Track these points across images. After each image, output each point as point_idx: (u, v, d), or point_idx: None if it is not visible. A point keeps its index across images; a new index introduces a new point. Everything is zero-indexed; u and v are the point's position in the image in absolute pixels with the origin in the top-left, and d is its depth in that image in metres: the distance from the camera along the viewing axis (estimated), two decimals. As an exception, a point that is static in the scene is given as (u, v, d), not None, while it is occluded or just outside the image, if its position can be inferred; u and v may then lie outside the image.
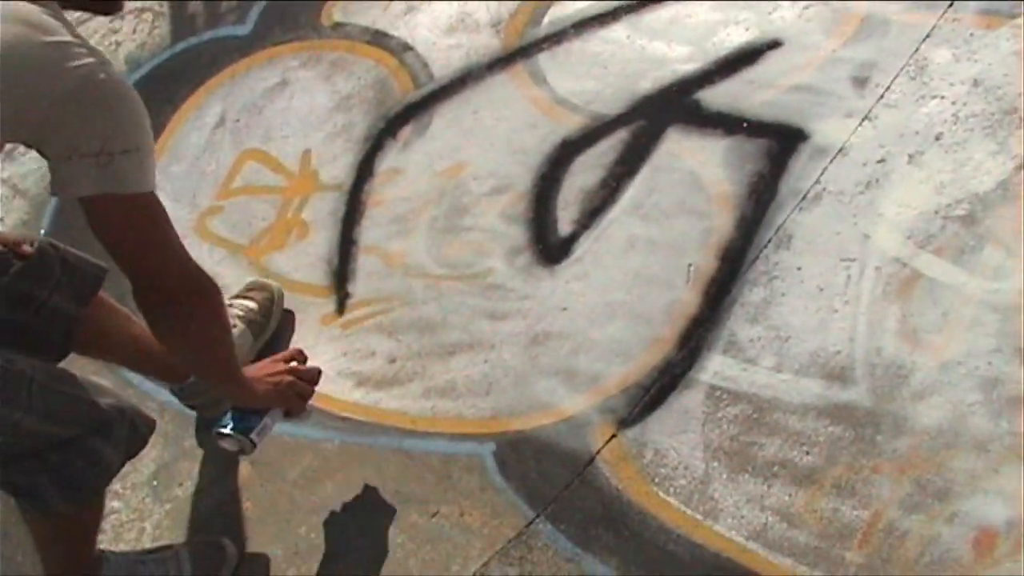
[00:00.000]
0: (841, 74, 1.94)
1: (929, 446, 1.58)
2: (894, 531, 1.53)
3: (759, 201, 1.89)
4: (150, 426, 1.64)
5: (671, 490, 1.66)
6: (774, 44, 2.01)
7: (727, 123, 2.00)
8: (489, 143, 2.15)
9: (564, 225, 1.99)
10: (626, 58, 2.14)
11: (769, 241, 1.85)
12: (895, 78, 1.90)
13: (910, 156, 1.85)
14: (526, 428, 1.78)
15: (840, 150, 1.89)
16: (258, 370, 1.70)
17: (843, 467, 1.59)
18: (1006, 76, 1.81)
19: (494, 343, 1.85)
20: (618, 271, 1.90)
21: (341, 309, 2.03)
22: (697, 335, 1.78)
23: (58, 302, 1.59)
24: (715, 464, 1.66)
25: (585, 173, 2.03)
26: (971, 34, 1.86)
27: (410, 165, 2.18)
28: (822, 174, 1.88)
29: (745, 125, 1.99)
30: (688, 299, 1.81)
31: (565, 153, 2.06)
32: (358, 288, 2.06)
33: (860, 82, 1.93)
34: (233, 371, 1.61)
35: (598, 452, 1.71)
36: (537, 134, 2.10)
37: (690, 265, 1.85)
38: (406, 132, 2.23)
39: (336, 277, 2.09)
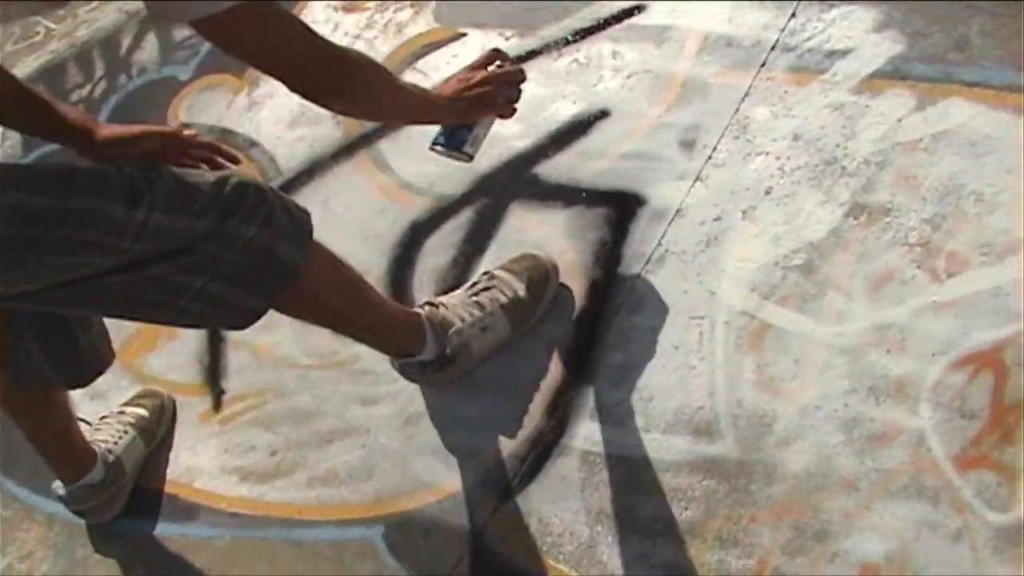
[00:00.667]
0: (669, 139, 2.02)
1: (801, 490, 1.59)
2: (782, 576, 1.51)
3: (606, 268, 1.94)
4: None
5: (560, 556, 1.67)
6: (602, 114, 2.09)
7: (566, 194, 2.05)
8: (341, 231, 2.19)
9: None
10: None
11: (621, 306, 1.88)
12: (720, 138, 1.99)
13: (743, 212, 1.91)
14: (411, 508, 1.80)
15: (677, 212, 1.95)
16: (456, 85, 1.58)
17: (722, 519, 1.60)
18: (822, 128, 1.90)
19: (369, 427, 1.88)
20: None
21: (218, 406, 2.07)
22: (563, 403, 1.81)
23: (267, 243, 1.45)
24: (599, 528, 1.67)
25: (436, 254, 2.09)
26: (785, 91, 1.98)
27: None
28: (663, 236, 1.93)
29: (584, 195, 2.06)
30: (551, 369, 1.85)
31: (415, 236, 2.13)
32: (232, 384, 2.10)
33: (687, 145, 2.02)
34: (426, 105, 1.54)
35: (484, 525, 1.73)
36: (387, 219, 2.18)
37: (549, 336, 1.89)
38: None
39: (209, 374, 2.14)
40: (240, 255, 1.40)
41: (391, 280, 2.11)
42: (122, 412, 1.99)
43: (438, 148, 1.65)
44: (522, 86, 1.65)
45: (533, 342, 1.90)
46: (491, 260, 2.04)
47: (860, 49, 1.93)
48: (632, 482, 1.71)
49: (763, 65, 2.00)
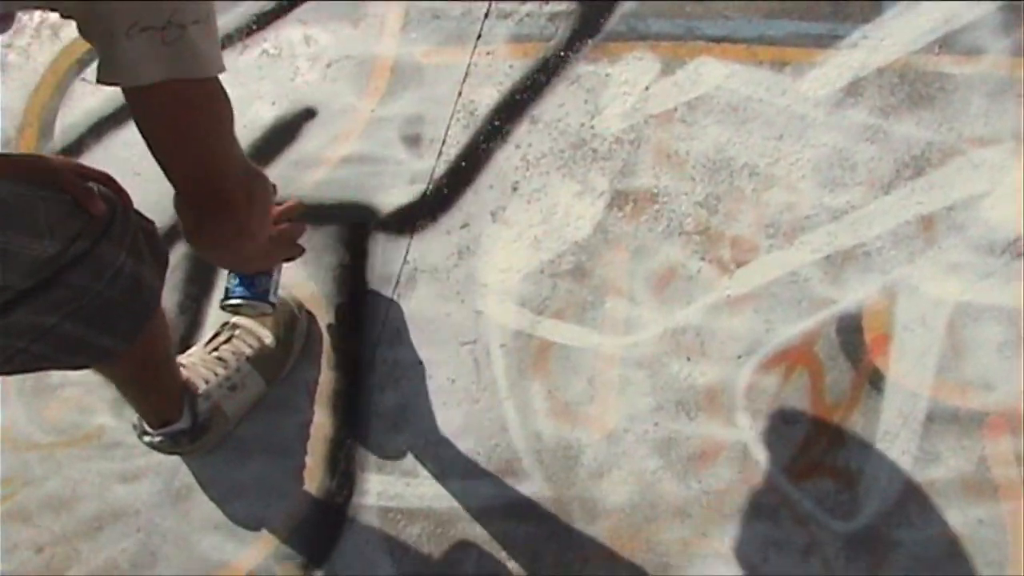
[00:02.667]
0: (390, 135, 1.69)
1: (629, 524, 1.49)
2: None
3: (351, 296, 1.65)
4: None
5: None
6: (308, 114, 1.73)
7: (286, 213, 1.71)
8: None
9: None
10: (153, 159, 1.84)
11: (379, 338, 1.61)
12: (448, 129, 1.71)
13: (492, 214, 1.66)
14: (207, 595, 1.48)
15: (417, 222, 1.68)
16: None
17: (551, 565, 1.51)
18: (561, 106, 1.68)
19: (138, 508, 1.64)
20: None
21: (-43, 506, 1.60)
22: (344, 456, 1.59)
23: (135, 270, 1.21)
24: None
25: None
26: (510, 66, 1.73)
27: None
28: (407, 253, 1.64)
29: (307, 212, 1.71)
30: (318, 419, 1.61)
31: None
32: (-33, 479, 1.63)
33: (412, 140, 1.70)
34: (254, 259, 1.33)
35: None
36: None
37: (306, 381, 1.62)
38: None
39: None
40: (106, 286, 1.19)
41: None
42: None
43: (231, 304, 1.51)
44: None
45: (293, 391, 1.63)
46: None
47: (586, 8, 1.75)
48: (443, 536, 1.53)
49: (479, 38, 1.74)
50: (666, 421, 1.49)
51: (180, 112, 1.02)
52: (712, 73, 1.61)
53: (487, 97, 1.65)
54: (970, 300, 1.46)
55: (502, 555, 1.51)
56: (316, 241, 1.63)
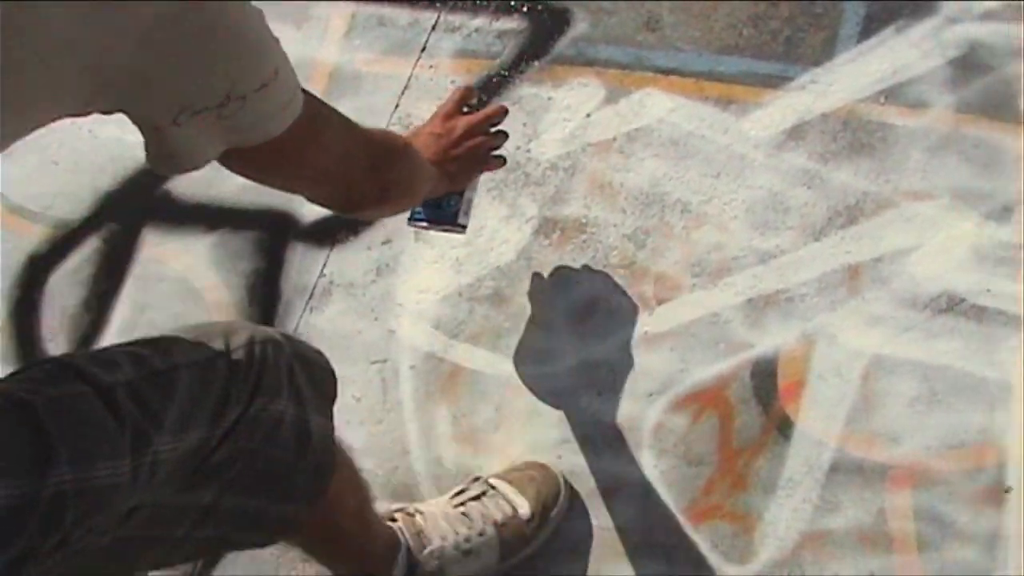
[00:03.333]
0: None
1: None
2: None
3: (263, 306, 2.22)
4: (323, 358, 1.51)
5: None
6: None
7: (207, 215, 2.29)
8: None
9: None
10: (78, 149, 2.39)
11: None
12: None
13: (416, 232, 2.30)
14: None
15: (337, 235, 2.29)
16: (438, 144, 1.76)
17: None
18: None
19: None
20: None
21: None
22: None
23: (298, 416, 1.39)
24: None
25: (64, 293, 2.28)
26: (452, 81, 2.40)
27: None
28: (325, 265, 2.24)
29: (227, 215, 2.31)
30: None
31: (35, 271, 2.31)
32: None
33: None
34: (435, 180, 1.70)
35: None
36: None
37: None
38: None
39: None
40: (265, 443, 1.35)
41: (15, 327, 2.27)
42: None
43: (422, 223, 1.88)
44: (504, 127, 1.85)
45: None
46: (130, 298, 2.24)
47: (536, 28, 2.41)
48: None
49: (423, 50, 2.40)
50: (570, 454, 2.07)
51: (265, 165, 1.27)
52: (656, 105, 2.26)
53: (424, 111, 2.28)
54: (888, 353, 2.07)
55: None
56: (234, 246, 2.25)
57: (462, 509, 1.90)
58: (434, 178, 1.71)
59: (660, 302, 2.11)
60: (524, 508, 1.92)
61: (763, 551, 2.01)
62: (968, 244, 2.05)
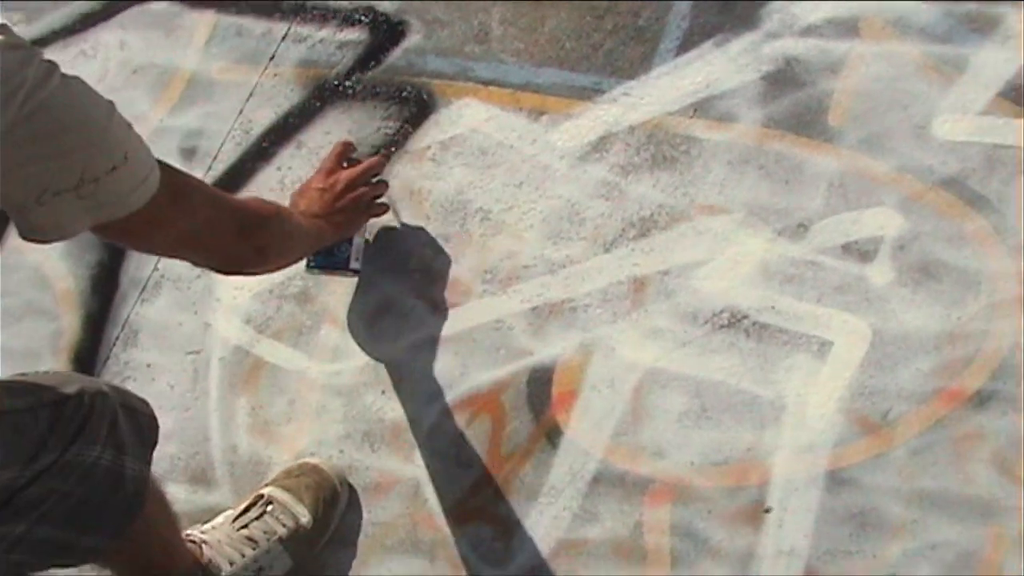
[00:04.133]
0: (170, 146, 2.40)
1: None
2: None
3: (103, 295, 2.39)
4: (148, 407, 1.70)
5: None
6: None
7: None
8: None
9: None
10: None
11: (117, 339, 2.33)
12: (222, 146, 2.50)
13: (243, 232, 2.43)
14: None
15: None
16: (323, 199, 2.00)
17: None
18: (327, 134, 2.42)
19: None
20: None
21: None
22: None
23: (114, 463, 1.57)
24: None
25: None
26: (291, 90, 2.49)
27: None
28: (159, 261, 2.36)
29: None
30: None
31: None
32: None
33: (189, 153, 2.42)
34: (319, 235, 1.96)
35: None
36: None
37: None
38: None
39: None
40: (77, 484, 1.50)
41: None
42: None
43: (316, 270, 2.12)
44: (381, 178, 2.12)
45: None
46: None
47: (373, 40, 2.50)
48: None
49: (272, 59, 2.53)
50: (351, 449, 2.16)
51: (126, 236, 1.45)
52: (473, 115, 2.31)
53: (263, 118, 2.41)
54: (662, 367, 2.06)
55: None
56: (84, 237, 2.37)
57: (245, 532, 2.01)
58: (320, 232, 1.95)
59: (451, 306, 2.14)
60: (305, 517, 2.03)
61: (520, 555, 2.04)
62: (757, 260, 2.04)
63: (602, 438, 2.06)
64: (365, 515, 2.11)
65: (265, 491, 2.05)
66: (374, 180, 2.12)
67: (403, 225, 2.25)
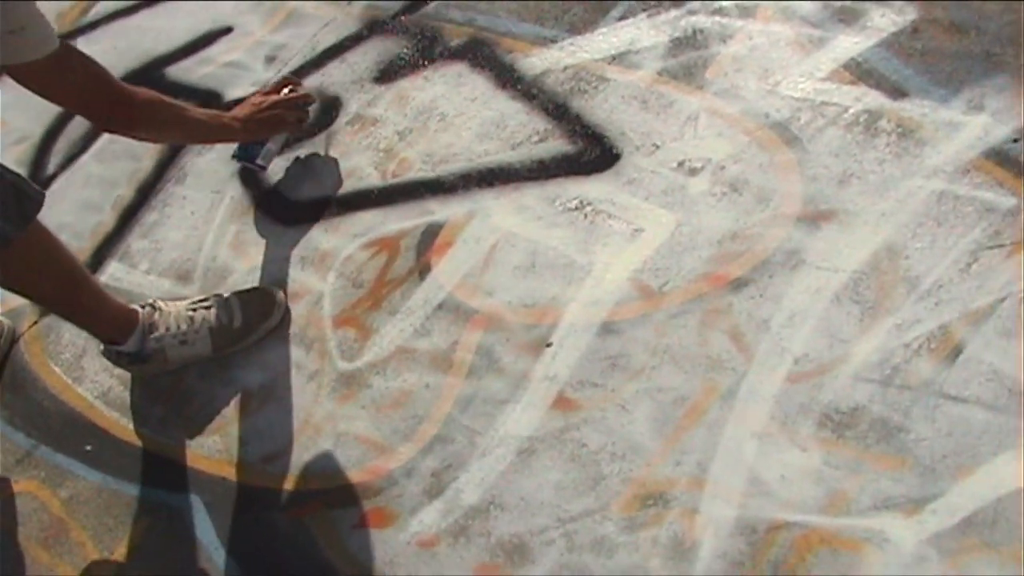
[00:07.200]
0: (260, 53, 3.13)
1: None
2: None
3: (175, 148, 3.09)
4: (40, 192, 2.30)
5: (58, 362, 2.80)
6: (226, 30, 3.30)
7: (175, 90, 3.15)
8: (24, 106, 3.34)
9: (50, 167, 3.28)
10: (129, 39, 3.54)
11: (172, 178, 3.03)
12: (292, 58, 3.25)
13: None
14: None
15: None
16: (249, 108, 2.64)
17: None
18: (364, 55, 3.15)
19: None
20: (72, 202, 3.13)
21: None
22: (106, 248, 2.97)
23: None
24: (91, 343, 2.75)
25: (77, 128, 3.30)
26: (353, 23, 3.20)
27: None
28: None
29: (184, 91, 3.17)
30: (107, 221, 3.03)
31: (69, 113, 3.30)
32: None
33: (271, 60, 3.21)
34: (221, 128, 2.60)
35: (23, 334, 2.89)
36: None
37: (118, 195, 3.08)
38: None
39: None
40: None
41: (40, 146, 3.35)
42: None
43: (235, 158, 2.76)
44: (311, 107, 2.75)
45: (106, 199, 3.16)
46: (108, 135, 3.23)
47: None
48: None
49: (349, 1, 3.27)
50: (288, 269, 2.69)
51: (38, 79, 2.10)
52: (464, 50, 2.94)
53: (327, 40, 3.11)
54: (517, 232, 2.52)
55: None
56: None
57: (190, 313, 2.60)
58: (224, 126, 2.62)
59: (393, 176, 2.73)
60: (237, 320, 2.61)
61: (367, 354, 2.50)
62: (611, 167, 2.54)
63: (455, 277, 2.50)
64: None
65: (223, 292, 2.65)
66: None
67: (381, 117, 2.89)
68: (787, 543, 1.93)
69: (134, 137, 2.39)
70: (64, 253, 2.42)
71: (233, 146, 2.78)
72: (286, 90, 2.72)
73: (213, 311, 2.59)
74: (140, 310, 2.57)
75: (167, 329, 2.57)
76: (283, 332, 2.59)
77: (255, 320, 2.60)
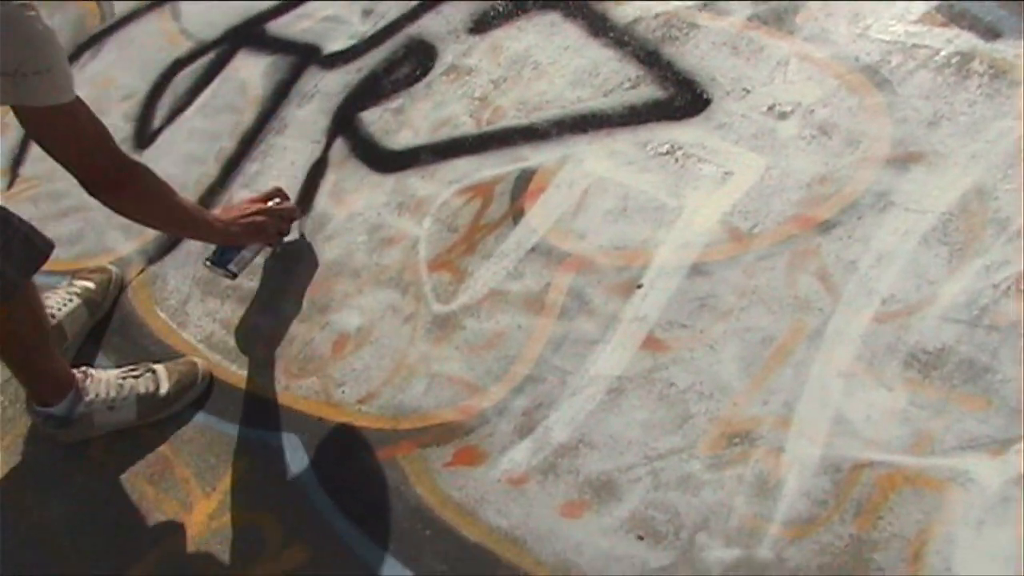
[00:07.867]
0: (357, 7, 3.17)
1: (325, 275, 2.74)
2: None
3: (275, 101, 3.14)
4: (48, 244, 2.33)
5: (164, 307, 2.88)
6: None
7: (275, 45, 3.27)
8: (130, 63, 3.51)
9: (156, 121, 3.34)
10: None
11: (273, 129, 3.10)
12: (390, 10, 3.29)
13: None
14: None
15: (338, 61, 3.23)
16: (234, 211, 2.62)
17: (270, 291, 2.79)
18: (438, 15, 3.21)
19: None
20: (176, 155, 3.19)
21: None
22: (209, 198, 3.05)
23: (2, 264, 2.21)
24: (196, 289, 2.84)
25: (182, 82, 3.37)
26: None
27: (82, 81, 3.49)
28: (320, 80, 3.22)
29: (283, 46, 3.26)
30: (211, 172, 3.11)
31: (174, 69, 3.42)
32: None
33: (367, 13, 3.27)
34: (200, 226, 2.53)
35: (131, 281, 2.98)
36: (161, 56, 3.49)
37: (221, 147, 3.15)
38: (86, 56, 3.69)
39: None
40: None
41: (147, 101, 3.41)
42: (70, 284, 2.85)
43: (207, 264, 2.67)
44: (294, 222, 2.73)
45: (208, 152, 3.25)
46: (210, 91, 3.33)
47: None
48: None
49: None
50: (385, 214, 2.76)
51: (40, 127, 2.08)
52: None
53: (386, 8, 3.23)
54: (609, 176, 2.57)
55: (245, 277, 2.80)
56: (280, 64, 3.23)
57: (120, 380, 2.64)
58: (208, 226, 2.56)
59: (488, 123, 2.77)
60: (164, 389, 2.65)
61: (462, 296, 2.56)
62: (702, 112, 2.58)
63: (548, 222, 2.55)
64: (375, 258, 2.70)
65: (154, 365, 2.68)
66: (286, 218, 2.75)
67: (476, 67, 2.95)
68: (871, 482, 1.94)
69: (116, 208, 2.31)
70: (44, 312, 2.51)
71: (210, 248, 2.73)
72: (273, 201, 2.72)
73: (141, 380, 2.64)
74: (78, 374, 2.60)
75: (97, 395, 2.61)
76: (379, 276, 2.67)
77: (179, 391, 2.66)
